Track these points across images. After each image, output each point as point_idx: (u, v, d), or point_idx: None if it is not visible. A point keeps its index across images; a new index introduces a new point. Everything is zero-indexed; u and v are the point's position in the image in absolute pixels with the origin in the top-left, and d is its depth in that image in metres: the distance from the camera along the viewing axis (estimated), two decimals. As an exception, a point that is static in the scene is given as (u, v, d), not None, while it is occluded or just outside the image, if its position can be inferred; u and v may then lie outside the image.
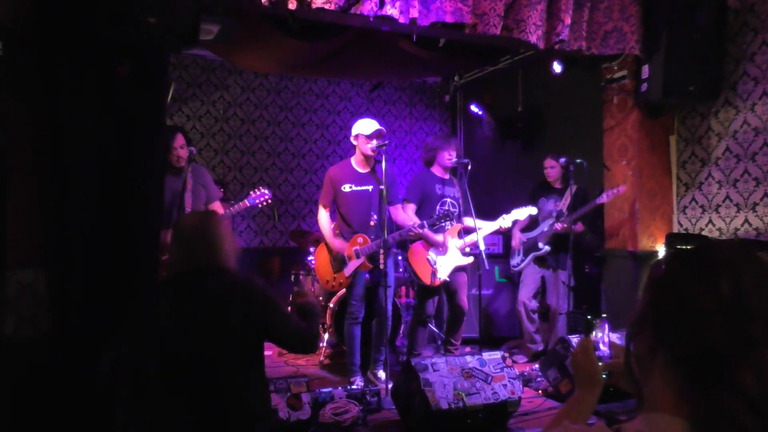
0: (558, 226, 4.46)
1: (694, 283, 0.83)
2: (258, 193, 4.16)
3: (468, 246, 4.34)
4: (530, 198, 4.72)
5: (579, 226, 4.48)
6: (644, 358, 0.88)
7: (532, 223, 4.80)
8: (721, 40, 4.08)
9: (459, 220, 4.34)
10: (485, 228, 4.30)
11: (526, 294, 4.76)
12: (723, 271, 0.83)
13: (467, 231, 4.37)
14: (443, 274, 4.18)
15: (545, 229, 4.63)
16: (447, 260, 4.23)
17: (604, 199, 4.34)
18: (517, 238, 4.80)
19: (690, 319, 0.82)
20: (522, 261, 4.75)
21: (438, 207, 4.23)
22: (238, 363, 2.04)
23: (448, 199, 4.30)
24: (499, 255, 5.65)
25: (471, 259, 4.33)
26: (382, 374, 4.13)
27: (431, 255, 4.22)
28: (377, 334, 4.13)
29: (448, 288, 4.34)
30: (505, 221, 4.30)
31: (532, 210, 4.42)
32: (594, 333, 1.31)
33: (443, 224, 4.09)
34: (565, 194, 4.62)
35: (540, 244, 4.62)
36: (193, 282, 2.08)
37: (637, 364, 0.90)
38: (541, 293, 4.82)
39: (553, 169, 4.72)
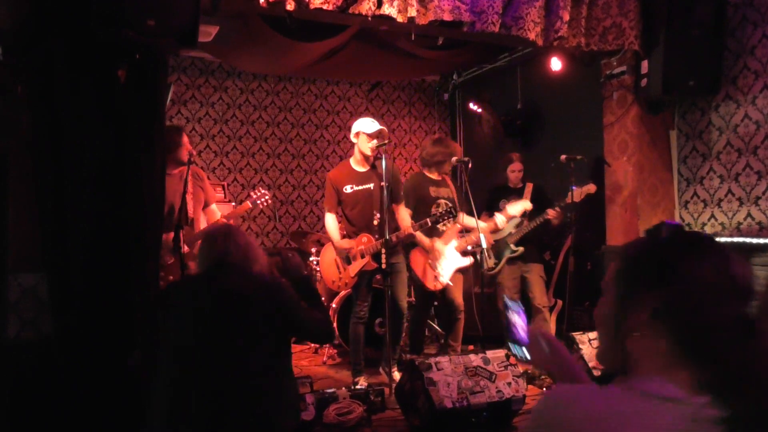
0: (554, 220, 4.40)
1: (707, 265, 0.88)
2: (258, 194, 4.17)
3: (469, 244, 4.34)
4: (488, 204, 4.65)
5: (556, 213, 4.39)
6: (636, 330, 0.92)
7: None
8: (720, 34, 4.07)
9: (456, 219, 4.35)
10: (481, 228, 4.32)
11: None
12: (727, 255, 0.90)
13: (466, 230, 4.37)
14: (446, 278, 4.22)
15: (512, 230, 4.57)
16: (448, 263, 4.25)
17: (575, 196, 4.29)
18: (488, 239, 4.71)
19: (699, 296, 0.87)
20: (497, 264, 4.70)
21: (434, 209, 4.25)
22: (264, 353, 2.11)
23: (443, 200, 4.31)
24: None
25: (471, 259, 4.35)
26: (397, 374, 4.02)
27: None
28: (393, 332, 4.07)
29: (444, 287, 4.36)
30: (499, 219, 4.27)
31: (526, 204, 4.40)
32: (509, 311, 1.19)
33: (446, 220, 4.08)
34: (524, 193, 4.62)
35: (512, 246, 4.59)
36: (219, 274, 2.18)
37: (625, 335, 0.93)
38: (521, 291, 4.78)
39: (520, 172, 4.69)
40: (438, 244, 4.24)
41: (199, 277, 2.26)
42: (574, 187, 4.33)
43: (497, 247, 4.66)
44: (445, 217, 4.00)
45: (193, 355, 2.04)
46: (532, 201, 4.57)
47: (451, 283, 4.25)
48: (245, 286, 2.16)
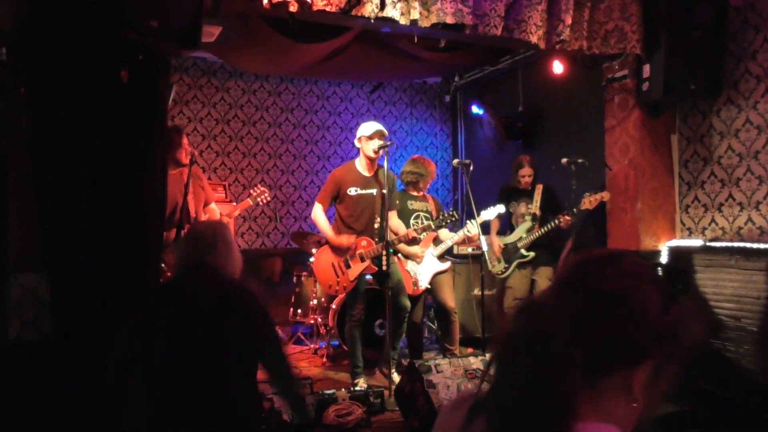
0: (562, 224, 4.41)
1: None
2: (258, 191, 4.25)
3: (470, 246, 4.41)
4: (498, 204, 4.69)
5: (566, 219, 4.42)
6: None
7: (504, 226, 4.81)
8: (722, 38, 4.07)
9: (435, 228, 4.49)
10: (450, 240, 4.41)
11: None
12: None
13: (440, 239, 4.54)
14: (424, 282, 4.38)
15: (523, 235, 4.59)
16: (425, 268, 4.40)
17: (587, 204, 4.33)
18: (497, 244, 4.74)
19: None
20: (506, 269, 4.70)
21: (411, 221, 4.42)
22: (238, 356, 2.07)
23: (421, 213, 4.46)
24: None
25: (448, 264, 4.52)
26: (396, 376, 4.08)
27: (410, 266, 4.38)
28: (396, 329, 4.13)
29: (431, 291, 4.49)
30: (472, 227, 4.26)
31: (500, 208, 4.45)
32: None
33: (448, 223, 4.26)
34: (533, 195, 4.64)
35: (523, 251, 4.60)
36: (196, 279, 2.13)
37: None
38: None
39: (530, 177, 4.67)
40: (416, 250, 4.38)
41: (177, 280, 2.22)
42: (587, 194, 4.36)
43: (507, 252, 4.67)
44: (447, 221, 4.17)
45: (172, 359, 2.02)
46: (542, 203, 4.59)
47: (430, 287, 4.39)
48: (218, 290, 2.12)
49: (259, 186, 4.39)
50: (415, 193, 4.57)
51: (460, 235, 4.37)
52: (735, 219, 4.10)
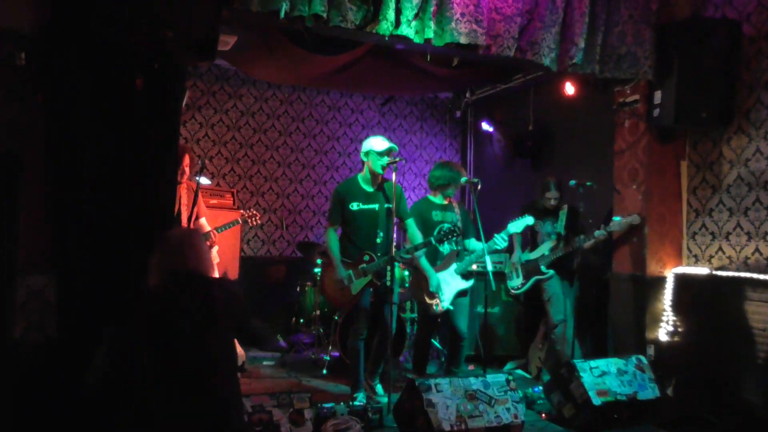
0: (587, 246, 4.40)
1: None
2: (250, 213, 4.58)
3: (476, 263, 4.31)
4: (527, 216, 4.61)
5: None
6: None
7: (524, 243, 4.78)
8: (734, 66, 4.07)
9: (460, 242, 4.36)
10: (477, 256, 4.26)
11: (561, 312, 4.56)
12: None
13: (466, 252, 4.38)
14: (446, 302, 4.20)
15: (546, 252, 4.59)
16: (449, 287, 4.23)
17: (616, 227, 4.40)
18: (517, 256, 4.72)
19: None
20: (524, 285, 4.68)
21: (435, 233, 4.19)
22: (226, 356, 2.27)
23: (446, 225, 4.23)
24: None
25: (472, 281, 4.32)
26: (379, 388, 4.23)
27: (434, 285, 4.19)
28: (378, 348, 4.15)
29: (448, 312, 4.29)
30: (498, 239, 4.18)
31: (529, 220, 4.36)
32: None
33: (450, 239, 4.07)
34: (559, 215, 4.63)
35: (543, 269, 4.58)
36: (187, 284, 2.25)
37: None
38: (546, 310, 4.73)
39: (556, 201, 4.67)
40: (433, 271, 4.20)
41: (168, 287, 2.26)
42: (617, 218, 4.41)
43: (527, 268, 4.66)
44: (447, 237, 4.02)
45: (169, 363, 2.12)
46: (566, 223, 4.57)
47: (452, 308, 4.22)
48: (212, 292, 2.27)
49: (253, 210, 4.64)
50: (440, 201, 4.37)
51: (488, 247, 4.18)
52: (742, 249, 4.07)
